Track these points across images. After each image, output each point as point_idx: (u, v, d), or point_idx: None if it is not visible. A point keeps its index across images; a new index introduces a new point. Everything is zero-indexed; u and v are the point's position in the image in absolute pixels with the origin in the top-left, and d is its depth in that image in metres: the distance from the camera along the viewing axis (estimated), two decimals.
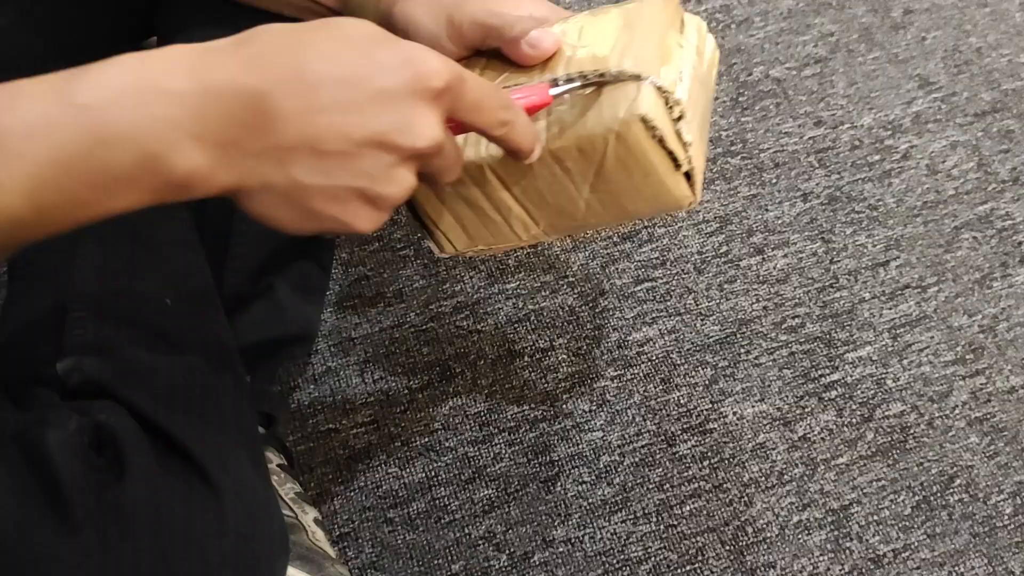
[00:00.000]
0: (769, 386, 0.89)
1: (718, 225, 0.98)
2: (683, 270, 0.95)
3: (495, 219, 0.55)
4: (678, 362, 0.90)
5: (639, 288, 0.94)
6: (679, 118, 0.50)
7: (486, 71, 0.55)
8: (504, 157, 0.50)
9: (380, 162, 0.42)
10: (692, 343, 0.91)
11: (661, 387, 0.89)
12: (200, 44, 0.41)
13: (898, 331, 0.92)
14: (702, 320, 0.92)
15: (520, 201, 0.54)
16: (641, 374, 0.89)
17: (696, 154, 0.52)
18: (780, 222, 0.98)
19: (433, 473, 0.84)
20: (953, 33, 1.15)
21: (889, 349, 0.91)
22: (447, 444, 0.86)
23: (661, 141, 0.50)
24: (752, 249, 0.97)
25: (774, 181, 1.01)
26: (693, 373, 0.89)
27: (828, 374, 0.90)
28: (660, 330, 0.92)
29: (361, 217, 0.44)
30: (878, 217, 0.99)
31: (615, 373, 0.89)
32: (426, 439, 0.86)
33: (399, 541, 0.81)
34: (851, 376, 0.90)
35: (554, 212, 0.54)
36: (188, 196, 0.40)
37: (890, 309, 0.93)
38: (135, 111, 0.38)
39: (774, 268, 0.95)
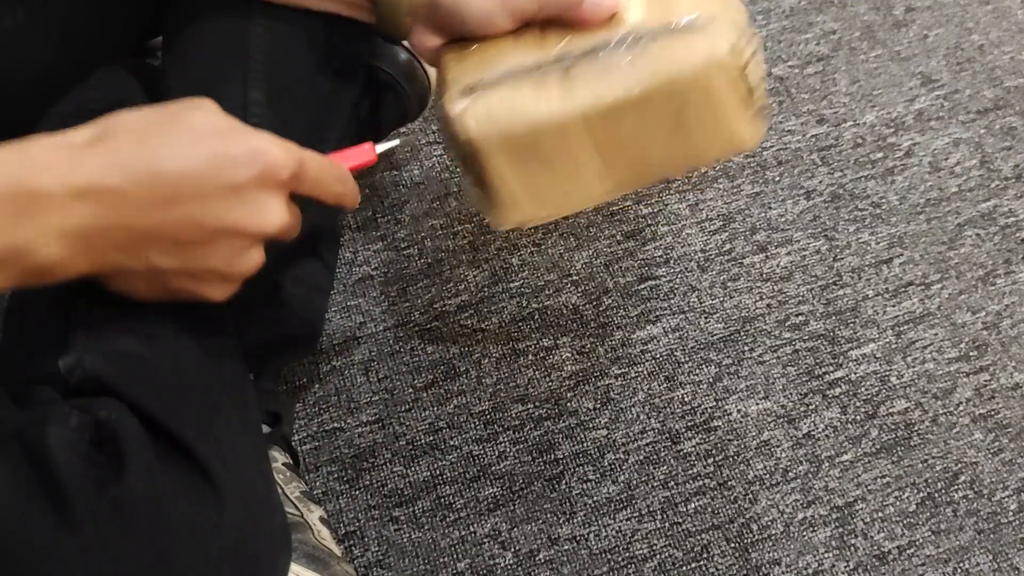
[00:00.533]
0: (773, 383, 0.89)
1: (721, 223, 0.98)
2: (687, 268, 0.95)
3: (570, 176, 0.56)
4: (682, 360, 0.90)
5: (643, 286, 0.94)
6: (751, 57, 0.53)
7: (545, 37, 0.55)
8: (593, 106, 0.53)
9: (232, 247, 0.47)
10: (696, 341, 0.91)
11: (665, 385, 0.89)
12: (65, 138, 0.44)
13: (902, 328, 0.92)
14: (706, 318, 0.92)
15: (600, 152, 0.55)
16: (645, 372, 0.89)
17: (763, 90, 0.54)
18: (783, 220, 0.99)
19: (438, 471, 0.84)
20: (955, 31, 1.15)
21: (893, 346, 0.91)
22: (452, 443, 0.86)
23: (740, 81, 0.52)
24: (755, 247, 0.97)
25: (777, 179, 1.01)
26: (697, 371, 0.90)
27: (832, 371, 0.90)
28: (664, 328, 0.92)
29: (215, 289, 0.49)
30: (881, 215, 0.99)
31: (619, 371, 0.89)
32: (431, 438, 0.86)
33: (404, 539, 0.81)
34: (855, 373, 0.90)
35: (629, 163, 0.56)
36: (50, 280, 0.44)
37: (894, 306, 0.93)
38: (6, 210, 0.42)
39: (777, 266, 0.96)
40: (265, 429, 0.80)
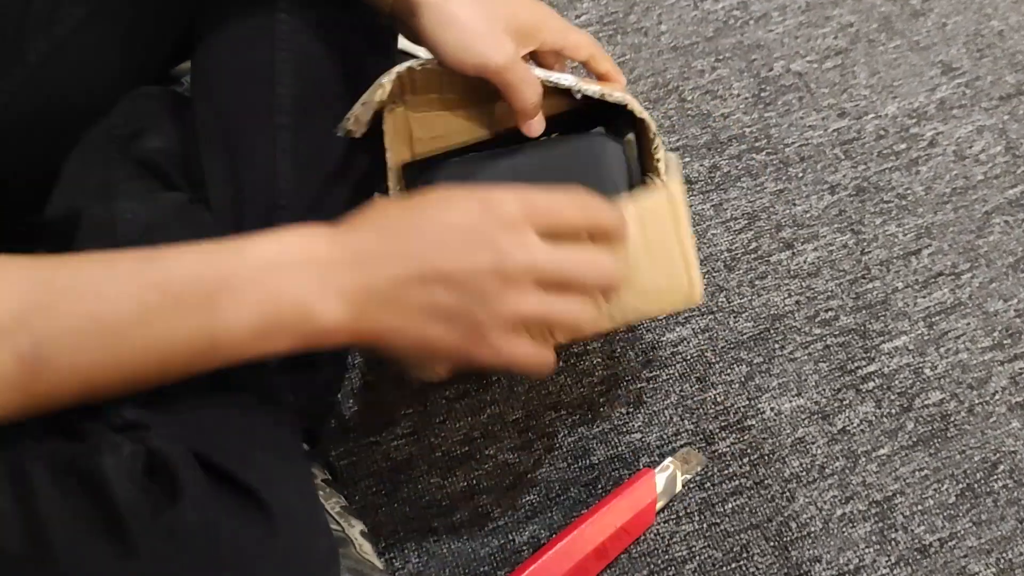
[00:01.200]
0: (805, 380, 0.89)
1: (746, 222, 0.98)
2: (713, 268, 0.95)
3: None
4: (712, 360, 0.90)
5: None
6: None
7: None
8: None
9: (493, 291, 0.50)
10: (726, 341, 0.91)
11: (697, 386, 0.89)
12: (329, 226, 0.51)
13: (933, 319, 0.92)
14: (735, 317, 0.92)
15: None
16: (676, 374, 0.90)
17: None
18: (808, 216, 0.98)
19: (475, 481, 0.85)
20: (974, 17, 1.14)
21: (925, 338, 0.91)
22: (487, 452, 0.86)
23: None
24: (781, 244, 0.97)
25: (800, 175, 1.01)
26: (728, 371, 0.90)
27: (864, 366, 0.89)
28: (693, 329, 0.92)
29: (497, 342, 0.52)
30: (907, 206, 0.99)
31: (650, 374, 0.90)
32: (466, 448, 0.87)
33: (444, 550, 0.82)
34: (888, 367, 0.89)
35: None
36: (329, 342, 0.49)
37: (924, 297, 0.93)
38: (292, 274, 0.48)
39: (805, 262, 0.95)
40: (304, 447, 0.80)
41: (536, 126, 0.66)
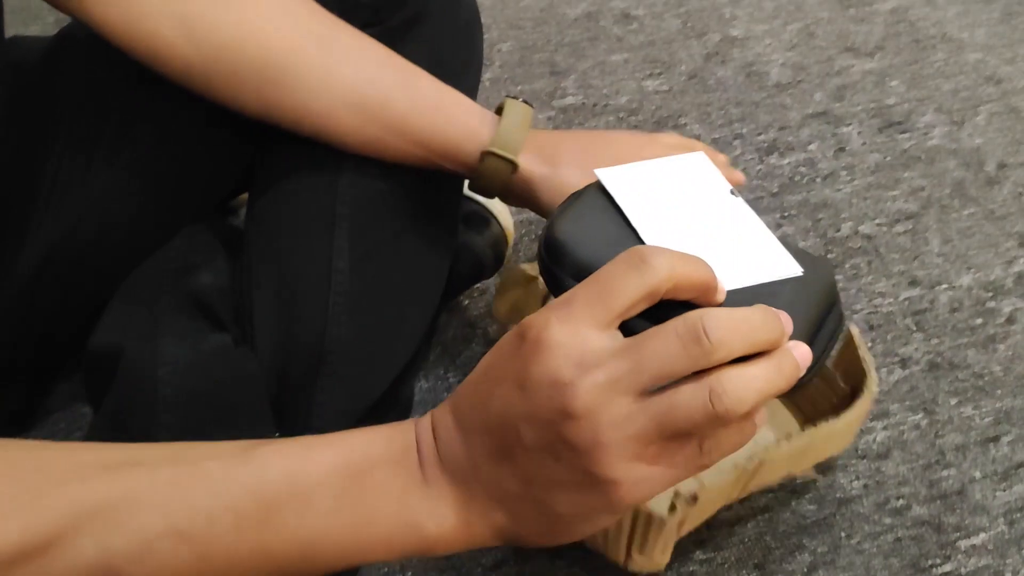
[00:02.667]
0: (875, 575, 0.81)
1: None
2: None
3: None
4: (772, 545, 0.83)
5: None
6: None
7: None
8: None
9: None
10: (787, 524, 0.84)
11: (755, 573, 0.82)
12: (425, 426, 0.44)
13: (1014, 516, 0.84)
14: (797, 498, 0.86)
15: None
16: (732, 558, 0.82)
17: None
18: (879, 390, 0.92)
19: None
20: None
21: (1006, 537, 0.83)
22: None
23: None
24: None
25: (870, 345, 0.96)
26: (789, 558, 0.82)
27: (940, 564, 0.82)
28: (752, 508, 0.85)
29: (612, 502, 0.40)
30: (984, 387, 0.93)
31: (704, 556, 0.83)
32: None
33: None
34: (965, 567, 0.82)
35: None
36: (433, 553, 0.43)
37: (1004, 491, 0.86)
38: (402, 486, 0.42)
39: (873, 441, 0.89)
40: None
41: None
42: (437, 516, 0.42)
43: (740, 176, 0.70)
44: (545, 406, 0.38)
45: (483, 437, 0.41)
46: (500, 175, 0.66)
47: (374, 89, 0.64)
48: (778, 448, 0.72)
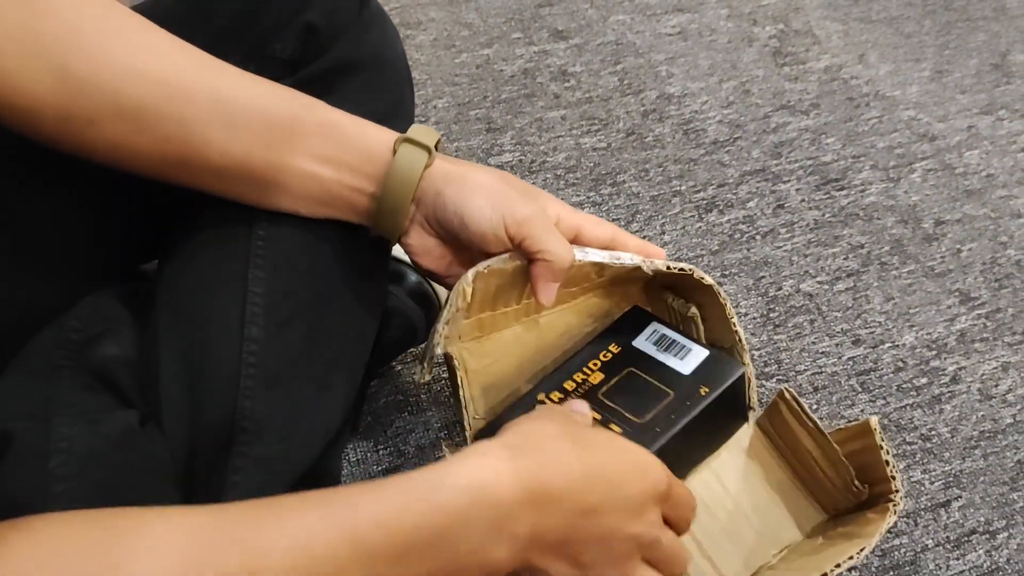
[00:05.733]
0: None
1: None
2: None
3: None
4: None
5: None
6: None
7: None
8: None
9: (630, 558, 0.52)
10: None
11: None
12: (506, 447, 0.49)
13: None
14: None
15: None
16: None
17: None
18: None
19: None
20: (989, 245, 1.10)
21: None
22: None
23: None
24: None
25: (815, 407, 0.93)
26: None
27: None
28: None
29: None
30: (932, 449, 0.90)
31: None
32: None
33: None
34: None
35: None
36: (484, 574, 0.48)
37: (957, 559, 0.83)
38: (478, 518, 0.46)
39: None
40: None
41: (549, 293, 0.64)
42: (502, 553, 0.48)
43: (658, 251, 0.68)
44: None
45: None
46: (414, 170, 0.61)
47: (271, 111, 0.59)
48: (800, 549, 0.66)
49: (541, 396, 0.66)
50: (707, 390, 0.63)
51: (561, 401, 0.66)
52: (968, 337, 1.00)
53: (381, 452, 0.87)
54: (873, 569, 0.82)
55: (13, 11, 0.53)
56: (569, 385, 0.67)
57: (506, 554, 0.47)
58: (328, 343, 0.66)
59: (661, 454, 0.56)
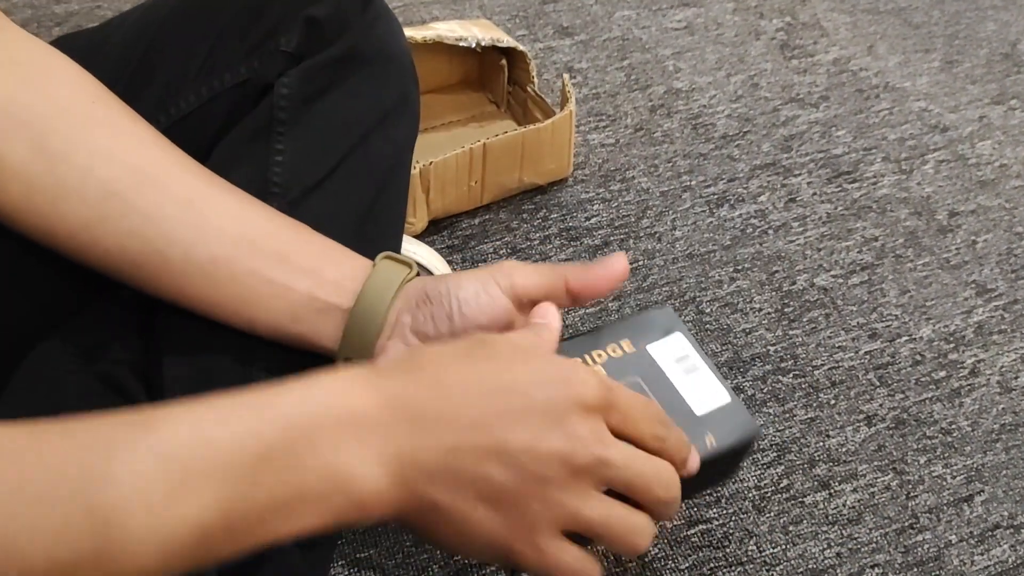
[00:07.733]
0: None
1: (776, 455, 0.88)
2: (741, 509, 0.84)
3: None
4: None
5: (692, 532, 0.83)
6: None
7: None
8: None
9: (558, 484, 0.42)
10: None
11: None
12: (373, 367, 0.43)
13: None
14: (768, 570, 0.80)
15: None
16: None
17: None
18: (845, 450, 0.88)
19: None
20: (1005, 236, 1.08)
21: None
22: None
23: None
24: (816, 483, 0.86)
25: (832, 402, 0.92)
26: None
27: None
28: None
29: (548, 547, 0.43)
30: (953, 443, 0.89)
31: None
32: None
33: None
34: None
35: None
36: (363, 517, 0.41)
37: (982, 555, 0.81)
38: (325, 437, 0.40)
39: (844, 505, 0.84)
40: None
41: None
42: (373, 478, 0.41)
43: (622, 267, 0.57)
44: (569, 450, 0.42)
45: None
46: (395, 281, 0.54)
47: (246, 220, 0.55)
48: (497, 137, 1.00)
49: None
50: (713, 441, 0.54)
51: None
52: (986, 329, 0.99)
53: None
54: (897, 566, 0.80)
55: (6, 82, 0.53)
56: None
57: (383, 481, 0.41)
58: None
59: None
